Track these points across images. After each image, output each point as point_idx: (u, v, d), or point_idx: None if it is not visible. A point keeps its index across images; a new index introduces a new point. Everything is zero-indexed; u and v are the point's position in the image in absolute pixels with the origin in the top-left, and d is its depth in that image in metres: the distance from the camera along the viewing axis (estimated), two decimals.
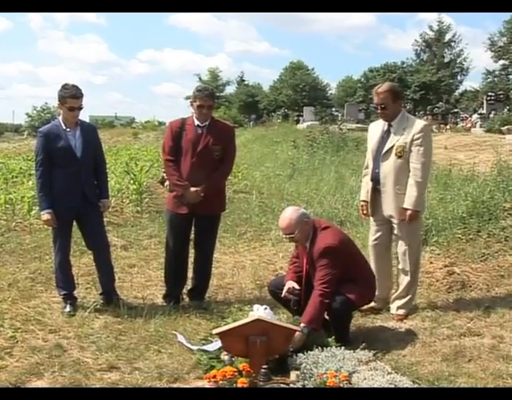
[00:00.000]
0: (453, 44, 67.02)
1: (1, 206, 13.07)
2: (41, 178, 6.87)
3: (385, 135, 6.86)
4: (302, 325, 5.60)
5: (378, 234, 7.02)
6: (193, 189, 6.92)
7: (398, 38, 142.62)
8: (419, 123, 6.81)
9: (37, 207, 11.79)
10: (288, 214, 6.03)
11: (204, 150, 6.98)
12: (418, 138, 6.62)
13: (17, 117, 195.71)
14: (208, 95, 7.03)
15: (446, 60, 66.73)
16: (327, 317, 6.12)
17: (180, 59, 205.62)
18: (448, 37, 66.83)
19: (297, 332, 5.46)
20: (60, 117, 6.97)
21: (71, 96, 6.77)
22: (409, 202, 6.59)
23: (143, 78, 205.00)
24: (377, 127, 7.04)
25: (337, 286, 5.83)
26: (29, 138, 56.13)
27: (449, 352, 5.75)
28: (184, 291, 7.45)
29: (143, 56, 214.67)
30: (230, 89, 76.98)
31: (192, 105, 7.13)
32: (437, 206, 10.84)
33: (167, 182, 7.34)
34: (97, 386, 5.05)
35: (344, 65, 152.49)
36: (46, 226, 7.53)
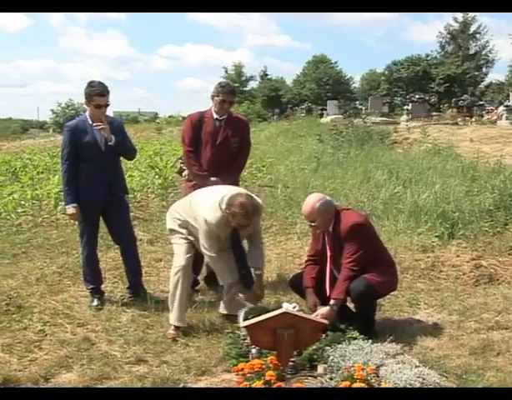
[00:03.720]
0: (478, 36, 66.31)
1: (28, 201, 13.20)
2: (67, 172, 6.92)
3: None
4: (331, 301, 5.83)
5: None
6: (213, 179, 7.13)
7: (420, 30, 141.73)
8: None
9: (63, 203, 11.96)
10: (311, 203, 6.04)
11: (223, 142, 7.27)
12: None
13: (42, 114, 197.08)
14: (230, 91, 7.37)
15: (471, 52, 66.06)
16: (352, 307, 6.15)
17: (201, 54, 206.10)
18: (473, 28, 66.25)
19: (327, 308, 5.79)
20: (87, 113, 7.01)
21: (97, 94, 6.81)
22: None
23: (165, 74, 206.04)
24: None
25: (362, 270, 5.89)
26: (55, 135, 56.51)
27: (476, 345, 5.72)
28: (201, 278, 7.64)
29: (163, 51, 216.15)
30: (253, 84, 76.91)
31: (213, 99, 7.34)
32: (463, 199, 10.77)
33: (185, 172, 7.65)
34: (126, 379, 5.10)
35: (366, 58, 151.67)
36: (71, 220, 7.55)
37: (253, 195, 6.32)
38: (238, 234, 6.25)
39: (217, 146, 7.26)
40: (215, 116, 7.33)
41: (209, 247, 6.12)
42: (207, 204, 6.12)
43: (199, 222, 6.11)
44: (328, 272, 6.14)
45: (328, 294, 6.03)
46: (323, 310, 5.83)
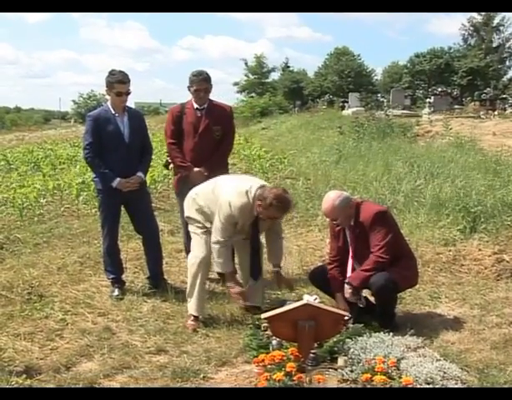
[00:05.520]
0: (501, 28, 65.62)
1: (49, 192, 13.29)
2: (93, 158, 6.93)
3: None
4: (346, 280, 5.91)
5: None
6: (196, 169, 7.21)
7: (442, 23, 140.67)
8: None
9: (85, 193, 12.02)
10: (331, 201, 5.95)
11: (205, 131, 7.28)
12: None
13: (64, 105, 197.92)
14: (203, 79, 7.31)
15: (494, 45, 65.42)
16: (372, 299, 6.13)
17: (221, 45, 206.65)
18: (496, 21, 65.55)
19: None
20: (108, 103, 7.03)
21: (118, 81, 6.83)
22: None
23: (186, 65, 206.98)
24: None
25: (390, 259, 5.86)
26: (76, 125, 56.80)
27: (498, 340, 5.69)
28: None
29: (184, 42, 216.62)
30: (275, 75, 76.55)
31: (189, 90, 7.37)
32: (486, 193, 10.69)
33: (171, 165, 7.69)
34: (146, 368, 5.12)
35: (388, 50, 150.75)
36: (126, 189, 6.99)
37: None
38: (258, 226, 6.23)
39: (198, 135, 7.28)
40: (195, 106, 7.34)
41: (221, 230, 6.04)
42: (233, 190, 6.07)
43: (222, 205, 6.02)
44: (349, 267, 6.10)
45: None
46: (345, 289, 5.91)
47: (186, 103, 7.46)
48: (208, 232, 6.28)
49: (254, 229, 6.25)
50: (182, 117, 7.37)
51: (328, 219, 6.27)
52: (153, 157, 8.52)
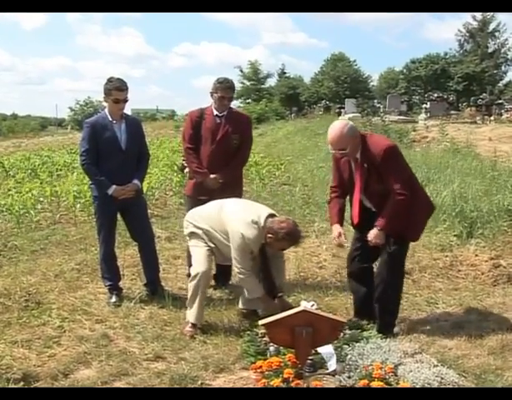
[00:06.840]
0: (497, 34, 65.73)
1: (46, 198, 13.28)
2: (90, 165, 6.91)
3: None
4: (377, 227, 5.70)
5: None
6: (212, 176, 7.18)
7: (437, 28, 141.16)
8: None
9: (82, 200, 12.01)
10: (338, 129, 5.74)
11: (223, 138, 7.25)
12: None
13: (60, 111, 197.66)
14: (229, 87, 7.31)
15: (490, 50, 65.49)
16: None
17: (217, 52, 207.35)
18: (492, 26, 65.68)
19: (373, 229, 5.71)
20: (106, 110, 7.03)
21: (116, 88, 6.83)
22: None
23: (182, 72, 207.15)
24: None
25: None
26: (73, 132, 56.77)
27: (495, 345, 5.70)
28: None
29: (180, 49, 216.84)
30: (271, 81, 76.50)
31: (212, 95, 7.34)
32: (482, 198, 10.72)
33: (186, 169, 7.70)
34: (144, 375, 5.11)
35: (384, 56, 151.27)
36: (121, 196, 6.97)
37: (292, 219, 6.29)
38: (266, 250, 6.20)
39: (217, 142, 7.24)
40: (215, 112, 7.32)
41: (241, 260, 6.03)
42: (242, 221, 6.01)
43: (234, 237, 6.00)
44: (356, 202, 5.91)
45: (355, 223, 5.97)
46: (372, 232, 5.73)
47: (205, 109, 7.42)
48: (210, 248, 6.27)
49: (263, 254, 6.21)
50: (201, 123, 7.34)
51: (333, 151, 5.96)
52: (150, 163, 8.53)
